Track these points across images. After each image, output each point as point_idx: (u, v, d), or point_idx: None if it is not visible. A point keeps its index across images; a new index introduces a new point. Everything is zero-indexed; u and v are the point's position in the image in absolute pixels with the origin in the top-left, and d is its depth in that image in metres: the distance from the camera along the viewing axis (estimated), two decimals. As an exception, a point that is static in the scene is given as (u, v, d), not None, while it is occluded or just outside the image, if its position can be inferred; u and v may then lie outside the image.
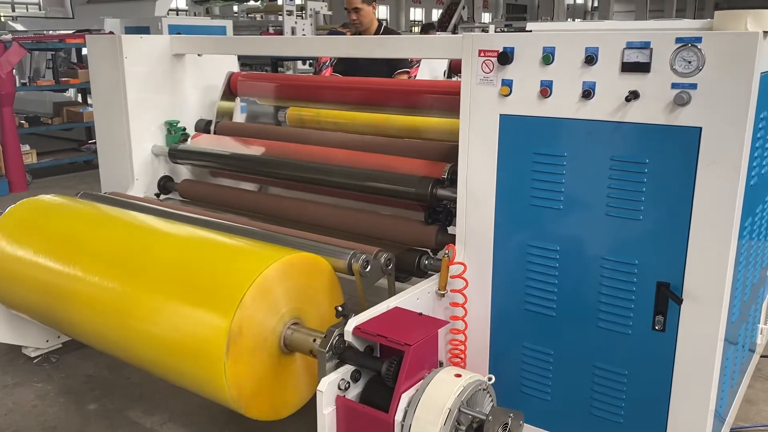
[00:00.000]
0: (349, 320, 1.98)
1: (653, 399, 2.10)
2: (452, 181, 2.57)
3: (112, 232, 2.68)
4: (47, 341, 3.33)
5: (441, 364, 2.16)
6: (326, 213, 3.03)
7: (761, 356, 3.20)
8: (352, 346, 1.98)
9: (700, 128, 1.87)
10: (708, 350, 1.99)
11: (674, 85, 1.89)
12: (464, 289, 2.34)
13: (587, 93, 2.02)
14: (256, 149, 3.32)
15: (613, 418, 2.19)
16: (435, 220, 2.73)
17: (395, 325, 1.99)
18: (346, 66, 4.71)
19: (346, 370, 1.96)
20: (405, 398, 1.85)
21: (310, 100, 3.59)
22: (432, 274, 2.47)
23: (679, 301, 1.98)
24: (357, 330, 1.95)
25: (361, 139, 3.23)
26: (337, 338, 1.96)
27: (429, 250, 2.67)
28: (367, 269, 2.32)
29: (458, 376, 1.87)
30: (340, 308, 2.01)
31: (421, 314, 2.11)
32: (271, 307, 2.13)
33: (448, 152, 2.77)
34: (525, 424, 2.38)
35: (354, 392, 1.97)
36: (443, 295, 2.34)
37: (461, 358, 2.40)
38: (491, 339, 2.39)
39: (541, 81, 2.11)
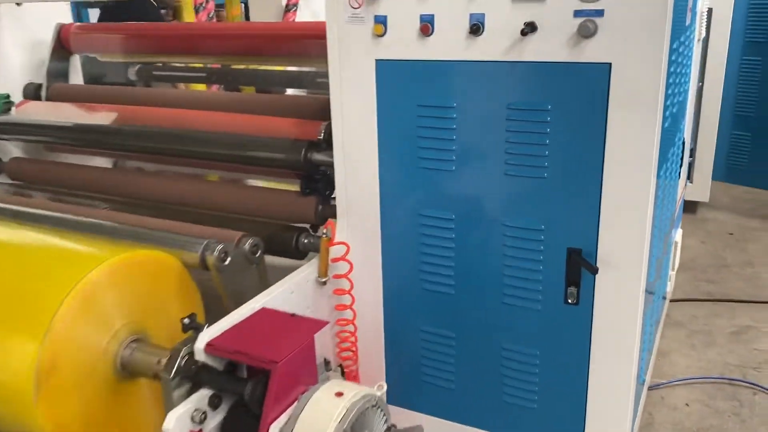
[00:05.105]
0: (201, 334, 1.56)
1: (570, 379, 1.85)
2: (330, 143, 2.16)
3: None
4: None
5: (328, 364, 1.80)
6: (188, 189, 2.54)
7: (670, 301, 3.08)
8: (207, 365, 1.57)
9: (610, 64, 1.56)
10: (628, 320, 1.75)
11: (577, 13, 1.56)
12: (349, 273, 1.97)
13: (475, 28, 1.66)
14: (100, 116, 2.74)
15: (526, 404, 1.92)
16: (314, 190, 2.32)
17: (260, 333, 1.59)
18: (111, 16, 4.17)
19: (202, 396, 1.55)
20: (275, 429, 1.47)
21: (162, 53, 3.03)
22: (314, 255, 2.08)
23: (594, 270, 1.70)
24: (209, 347, 1.54)
25: (225, 97, 2.74)
26: (185, 359, 1.54)
27: (309, 227, 2.27)
28: (226, 262, 1.88)
29: (339, 394, 1.49)
30: (186, 320, 1.58)
31: (293, 315, 1.71)
32: (99, 321, 1.66)
33: (324, 107, 2.33)
34: (430, 416, 2.10)
35: (214, 422, 1.57)
36: (325, 283, 1.96)
37: (353, 351, 2.06)
38: (385, 327, 2.05)
39: (421, 16, 1.73)
